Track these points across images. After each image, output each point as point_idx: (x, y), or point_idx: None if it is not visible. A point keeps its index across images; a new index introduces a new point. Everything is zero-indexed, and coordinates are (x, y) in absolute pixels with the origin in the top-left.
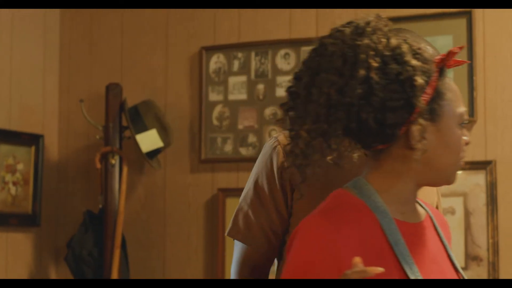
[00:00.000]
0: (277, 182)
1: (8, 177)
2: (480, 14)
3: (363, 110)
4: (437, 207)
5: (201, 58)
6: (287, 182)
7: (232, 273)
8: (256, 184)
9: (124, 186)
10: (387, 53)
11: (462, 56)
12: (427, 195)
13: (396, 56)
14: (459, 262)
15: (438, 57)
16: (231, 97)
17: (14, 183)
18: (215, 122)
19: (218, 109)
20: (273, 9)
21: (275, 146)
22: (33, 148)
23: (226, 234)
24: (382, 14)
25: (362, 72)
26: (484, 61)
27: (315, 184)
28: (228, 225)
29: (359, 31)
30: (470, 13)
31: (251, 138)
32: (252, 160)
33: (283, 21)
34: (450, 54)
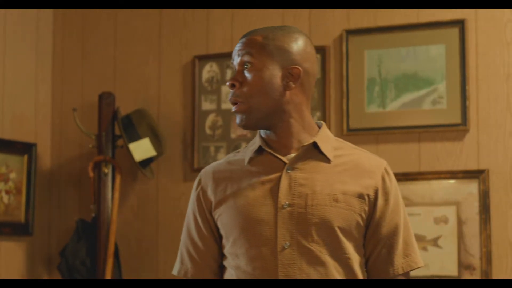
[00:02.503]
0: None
1: (1, 186)
2: (473, 24)
3: None
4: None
5: (194, 67)
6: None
7: None
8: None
9: (117, 195)
10: None
11: (455, 65)
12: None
13: None
14: (452, 271)
15: None
16: (224, 106)
17: (7, 192)
18: (208, 131)
19: (211, 118)
20: (265, 17)
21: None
22: (25, 157)
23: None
24: (375, 23)
25: None
26: (477, 70)
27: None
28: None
29: None
30: (462, 22)
31: None
32: None
33: None
34: None
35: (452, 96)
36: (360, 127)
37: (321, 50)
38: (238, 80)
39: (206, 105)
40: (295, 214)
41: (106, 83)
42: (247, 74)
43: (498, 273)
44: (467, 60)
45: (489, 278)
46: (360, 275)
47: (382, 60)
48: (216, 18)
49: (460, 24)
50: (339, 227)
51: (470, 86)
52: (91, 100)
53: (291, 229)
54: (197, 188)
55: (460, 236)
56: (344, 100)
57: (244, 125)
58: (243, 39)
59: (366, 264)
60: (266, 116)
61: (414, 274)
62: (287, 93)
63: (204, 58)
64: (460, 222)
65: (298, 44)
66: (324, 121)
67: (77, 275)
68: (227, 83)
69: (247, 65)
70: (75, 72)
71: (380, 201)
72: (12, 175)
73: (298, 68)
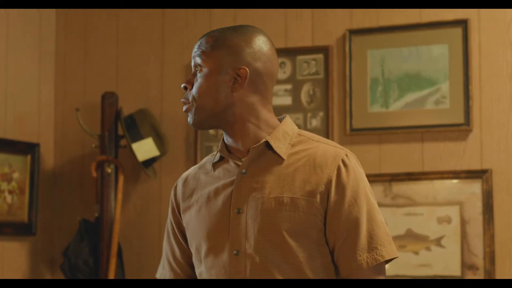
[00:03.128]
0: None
1: (4, 186)
2: (476, 24)
3: None
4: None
5: None
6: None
7: None
8: None
9: (120, 195)
10: None
11: (458, 65)
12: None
13: None
14: (456, 271)
15: None
16: None
17: (10, 192)
18: (210, 130)
19: None
20: (267, 18)
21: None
22: (28, 157)
23: None
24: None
25: None
26: (480, 70)
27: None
28: None
29: None
30: (466, 22)
31: None
32: None
33: (278, 30)
34: None
35: (455, 96)
36: (363, 127)
37: (324, 50)
38: (189, 83)
39: None
40: (243, 220)
41: (108, 83)
42: (198, 76)
43: (502, 273)
44: (470, 60)
45: (493, 278)
46: (315, 278)
47: (385, 60)
48: (218, 18)
49: (463, 24)
50: (286, 231)
51: (473, 86)
52: (94, 100)
53: (240, 236)
54: (172, 195)
55: (463, 236)
56: (347, 100)
57: (192, 124)
58: (199, 41)
59: (332, 261)
60: (212, 116)
61: (417, 274)
62: (235, 94)
63: None
64: (463, 222)
65: (249, 44)
66: (327, 121)
67: (80, 275)
68: (181, 86)
69: (198, 68)
70: (78, 72)
71: (334, 196)
72: (15, 175)
73: (244, 69)
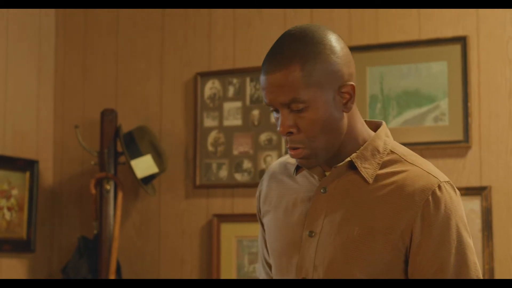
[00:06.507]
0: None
1: (3, 203)
2: (475, 41)
3: None
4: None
5: (196, 84)
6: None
7: None
8: None
9: (119, 212)
10: None
11: (457, 82)
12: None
13: None
14: None
15: None
16: (226, 123)
17: (9, 209)
18: (210, 148)
19: (213, 135)
20: (267, 35)
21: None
22: (27, 174)
23: None
24: (377, 40)
25: None
26: (479, 87)
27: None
28: (223, 250)
29: None
30: (464, 39)
31: (246, 164)
32: (247, 185)
33: None
34: None
35: (454, 113)
36: None
37: None
38: (294, 126)
39: (208, 122)
40: (314, 244)
41: (107, 100)
42: (298, 114)
43: None
44: (469, 77)
45: None
46: None
47: (384, 77)
48: (218, 35)
49: (462, 41)
50: (360, 271)
51: (472, 103)
52: (93, 117)
53: (308, 264)
54: (258, 193)
55: None
56: None
57: (310, 167)
58: (276, 74)
59: None
60: (334, 149)
61: None
62: (346, 115)
63: (206, 75)
64: None
65: (334, 52)
66: None
67: None
68: (278, 129)
69: (295, 105)
70: (77, 89)
71: (418, 236)
72: (14, 192)
73: (349, 85)
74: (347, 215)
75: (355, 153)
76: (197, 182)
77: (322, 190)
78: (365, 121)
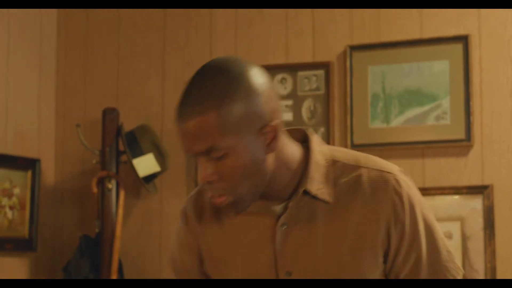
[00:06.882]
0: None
1: (5, 202)
2: (477, 40)
3: None
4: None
5: None
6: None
7: None
8: None
9: (120, 211)
10: None
11: (459, 81)
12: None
13: None
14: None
15: None
16: None
17: (11, 208)
18: None
19: None
20: (268, 34)
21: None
22: (29, 173)
23: None
24: (378, 39)
25: None
26: (481, 86)
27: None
28: None
29: None
30: (466, 38)
31: None
32: None
33: (279, 46)
34: None
35: (456, 111)
36: (364, 143)
37: (324, 66)
38: (215, 174)
39: None
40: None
41: (109, 99)
42: (218, 161)
43: None
44: (471, 76)
45: None
46: None
47: (386, 76)
48: (219, 35)
49: (463, 40)
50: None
51: (474, 102)
52: (94, 116)
53: None
54: (183, 237)
55: (465, 251)
56: (348, 116)
57: (239, 212)
58: (190, 122)
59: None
60: (261, 189)
61: None
62: (273, 153)
63: None
64: (464, 238)
65: (253, 90)
66: (328, 137)
67: None
68: (199, 179)
69: (214, 153)
70: (79, 88)
71: (394, 239)
72: (16, 191)
73: (271, 126)
74: (321, 243)
75: (304, 179)
76: (199, 181)
77: (283, 226)
78: (288, 130)
